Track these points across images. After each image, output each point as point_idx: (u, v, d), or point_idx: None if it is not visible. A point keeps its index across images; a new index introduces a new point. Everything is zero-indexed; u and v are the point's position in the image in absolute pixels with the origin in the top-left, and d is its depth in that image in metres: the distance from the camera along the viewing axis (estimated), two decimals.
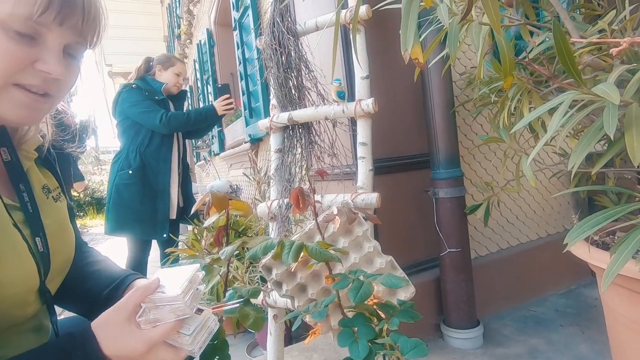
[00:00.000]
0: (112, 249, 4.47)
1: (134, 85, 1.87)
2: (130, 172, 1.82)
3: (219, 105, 1.93)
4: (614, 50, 0.62)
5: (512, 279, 1.65)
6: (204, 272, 0.60)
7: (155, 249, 2.03)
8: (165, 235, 1.86)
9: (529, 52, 0.79)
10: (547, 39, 0.87)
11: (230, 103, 1.95)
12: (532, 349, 1.32)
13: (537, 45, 0.81)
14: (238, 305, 0.67)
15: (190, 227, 1.97)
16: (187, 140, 2.26)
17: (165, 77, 1.96)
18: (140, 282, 0.67)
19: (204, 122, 1.93)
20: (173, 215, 1.91)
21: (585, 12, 0.99)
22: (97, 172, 11.45)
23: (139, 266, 1.90)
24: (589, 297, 1.67)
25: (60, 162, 0.70)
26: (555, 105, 0.60)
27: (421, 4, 0.59)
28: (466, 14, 0.41)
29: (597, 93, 0.50)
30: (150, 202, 1.84)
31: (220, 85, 2.11)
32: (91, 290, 0.67)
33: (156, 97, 1.89)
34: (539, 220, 1.84)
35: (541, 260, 1.73)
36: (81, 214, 8.79)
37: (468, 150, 1.61)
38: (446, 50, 0.72)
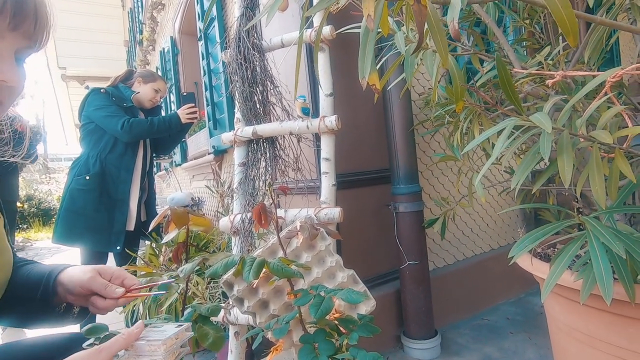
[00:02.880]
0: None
1: (102, 90, 1.82)
2: (88, 177, 1.72)
3: (182, 113, 1.89)
4: (549, 82, 0.70)
5: (467, 289, 1.73)
6: (192, 332, 0.60)
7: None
8: (119, 248, 1.75)
9: (477, 80, 0.86)
10: (494, 67, 0.95)
11: (195, 112, 1.92)
12: (485, 356, 1.38)
13: (486, 73, 0.88)
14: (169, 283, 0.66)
15: (147, 242, 1.89)
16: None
17: (142, 90, 1.92)
18: (66, 275, 0.64)
19: (168, 130, 1.87)
20: (131, 227, 1.82)
21: (529, 45, 1.10)
22: (44, 181, 10.65)
23: None
24: (536, 305, 1.79)
25: (1, 174, 0.66)
26: (500, 129, 0.65)
27: (379, 31, 0.63)
28: (418, 47, 0.45)
29: (533, 121, 0.56)
30: (107, 212, 1.74)
31: (185, 94, 2.06)
32: (25, 295, 0.63)
33: (124, 104, 1.82)
34: (492, 233, 1.96)
35: (493, 271, 1.83)
36: (25, 226, 8.10)
37: (426, 166, 1.69)
38: (404, 74, 0.76)
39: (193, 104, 1.92)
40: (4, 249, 0.61)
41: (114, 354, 0.48)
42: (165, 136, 1.96)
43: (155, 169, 7.10)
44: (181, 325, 0.56)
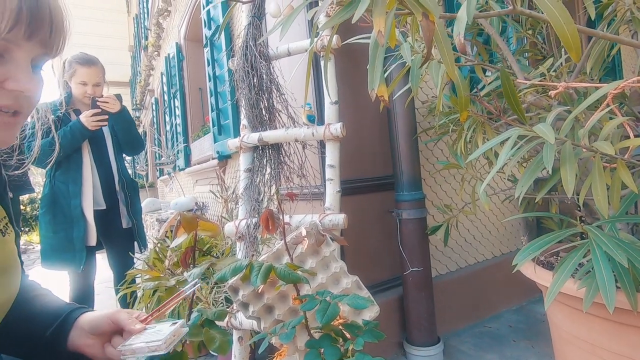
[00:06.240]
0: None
1: None
2: (39, 201, 1.69)
3: (86, 120, 1.63)
4: (552, 93, 0.71)
5: (469, 297, 1.73)
6: (187, 328, 0.60)
7: (100, 272, 1.89)
8: (82, 267, 1.65)
9: (481, 90, 0.88)
10: (498, 77, 0.97)
11: (100, 116, 1.65)
12: None
13: (489, 83, 0.90)
14: (196, 287, 0.67)
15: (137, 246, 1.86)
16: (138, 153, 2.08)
17: (73, 90, 1.68)
18: (87, 316, 0.62)
19: (72, 141, 1.63)
20: (92, 242, 1.69)
21: (531, 55, 1.11)
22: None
23: (83, 294, 1.73)
24: (538, 313, 1.78)
25: (12, 185, 0.66)
26: (503, 139, 0.67)
27: (387, 41, 0.64)
28: (426, 60, 0.47)
29: (537, 132, 0.57)
30: (64, 232, 1.65)
31: (95, 99, 1.69)
32: (33, 330, 0.60)
33: (54, 116, 1.59)
34: (494, 241, 1.96)
35: (496, 278, 1.83)
36: (27, 229, 8.12)
37: (429, 173, 1.70)
38: (410, 84, 0.78)
39: (99, 110, 1.65)
40: (14, 265, 0.57)
41: None
42: (125, 138, 1.79)
43: (157, 174, 7.12)
44: (175, 322, 0.57)
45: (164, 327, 0.56)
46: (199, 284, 0.68)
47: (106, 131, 1.80)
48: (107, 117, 1.67)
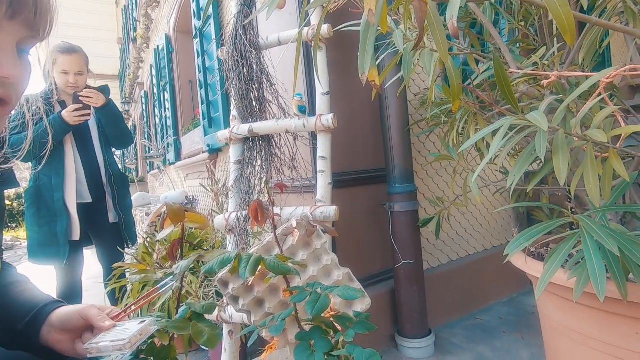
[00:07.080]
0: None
1: None
2: (24, 195, 1.65)
3: (68, 115, 1.59)
4: (544, 82, 0.70)
5: (461, 289, 1.74)
6: (157, 326, 0.59)
7: (90, 267, 1.85)
8: (65, 262, 1.62)
9: (474, 79, 0.87)
10: (490, 67, 0.96)
11: (83, 111, 1.61)
12: (478, 355, 1.39)
13: (482, 73, 0.89)
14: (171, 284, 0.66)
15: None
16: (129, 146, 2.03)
17: (56, 80, 1.63)
18: (59, 312, 0.60)
19: (54, 136, 1.55)
20: (75, 236, 1.66)
21: (523, 46, 1.11)
22: None
23: (70, 290, 1.70)
24: (528, 304, 1.80)
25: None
26: (495, 128, 0.66)
27: (378, 29, 0.63)
28: (418, 43, 0.45)
29: (530, 120, 0.56)
30: (48, 225, 1.62)
31: (77, 94, 1.66)
32: (6, 321, 0.58)
33: (39, 107, 1.52)
34: (485, 233, 1.97)
35: (487, 271, 1.85)
36: (14, 225, 7.98)
37: (422, 166, 1.70)
38: (402, 72, 0.77)
39: (81, 105, 1.61)
40: None
41: None
42: (113, 132, 1.75)
43: (148, 168, 7.04)
44: (144, 321, 0.56)
45: (132, 325, 0.55)
46: (174, 283, 0.66)
47: (92, 123, 1.75)
48: (89, 111, 1.62)
